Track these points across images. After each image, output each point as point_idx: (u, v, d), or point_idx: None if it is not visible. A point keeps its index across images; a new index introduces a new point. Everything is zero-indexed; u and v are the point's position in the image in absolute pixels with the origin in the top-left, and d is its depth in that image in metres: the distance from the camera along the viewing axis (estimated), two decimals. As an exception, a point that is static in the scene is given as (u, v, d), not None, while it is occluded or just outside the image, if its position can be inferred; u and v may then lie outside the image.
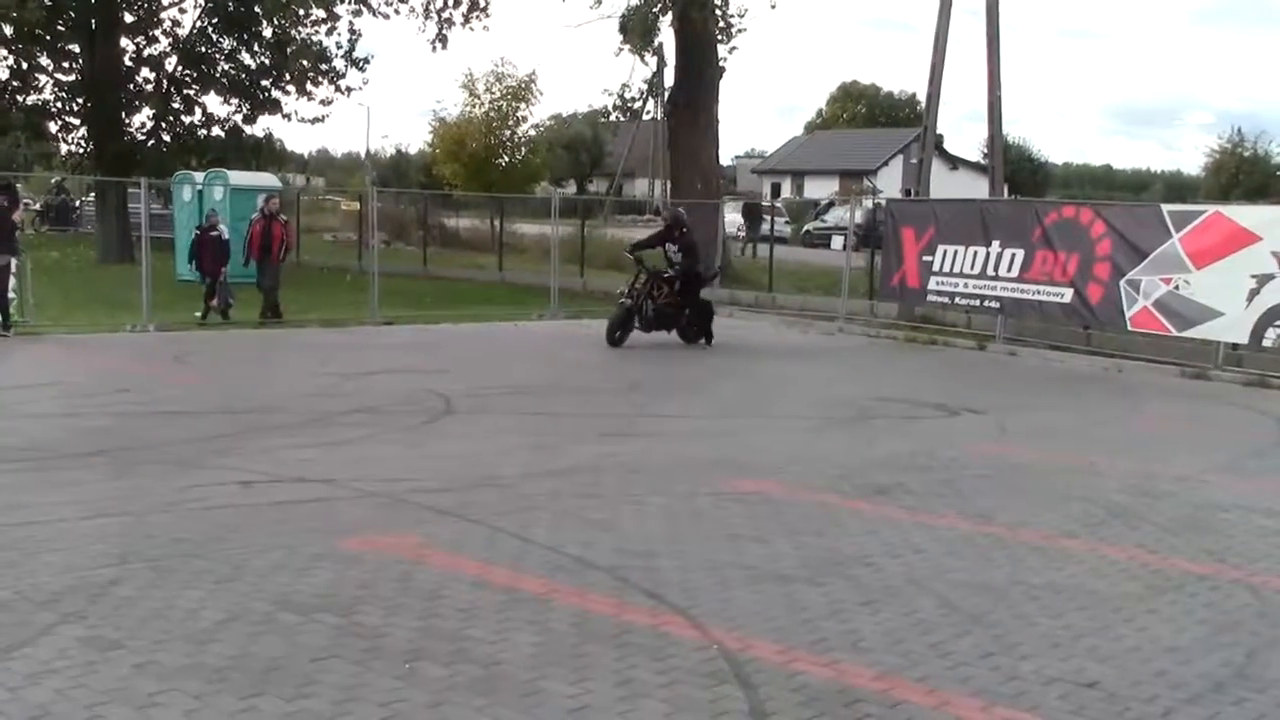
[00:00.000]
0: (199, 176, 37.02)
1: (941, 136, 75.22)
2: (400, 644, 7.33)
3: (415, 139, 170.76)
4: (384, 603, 8.05)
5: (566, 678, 6.90)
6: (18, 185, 41.53)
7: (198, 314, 25.95)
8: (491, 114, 58.31)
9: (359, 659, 7.08)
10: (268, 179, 39.23)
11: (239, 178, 36.20)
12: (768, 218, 48.95)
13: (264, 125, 44.60)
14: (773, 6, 60.32)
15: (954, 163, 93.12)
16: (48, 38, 40.20)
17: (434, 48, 41.31)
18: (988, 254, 25.99)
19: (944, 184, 57.12)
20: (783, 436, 15.28)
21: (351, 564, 8.88)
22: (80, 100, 41.69)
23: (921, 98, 38.32)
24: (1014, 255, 25.52)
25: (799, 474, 12.75)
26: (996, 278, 25.78)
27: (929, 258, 27.18)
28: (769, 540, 10.00)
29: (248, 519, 10.13)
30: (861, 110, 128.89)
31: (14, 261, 22.65)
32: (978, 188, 56.09)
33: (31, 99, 41.82)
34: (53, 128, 43.53)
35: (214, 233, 26.35)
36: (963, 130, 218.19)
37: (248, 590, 8.21)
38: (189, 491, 11.01)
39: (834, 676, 7.08)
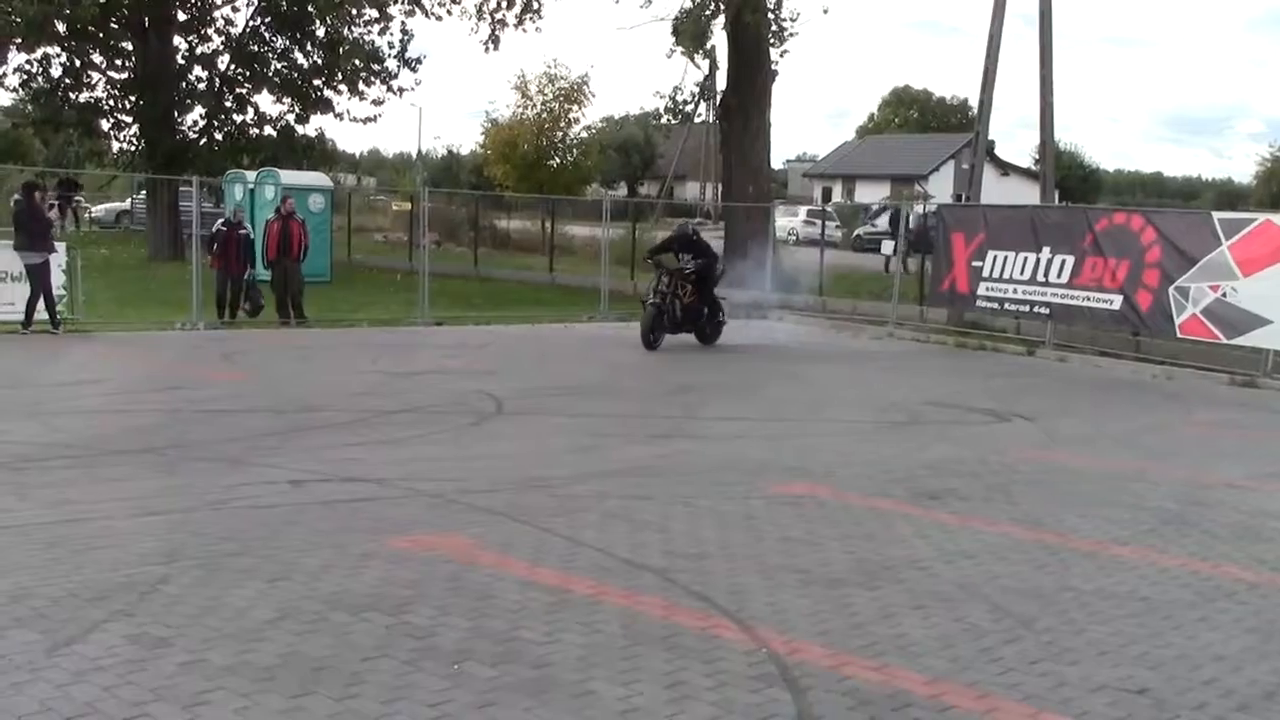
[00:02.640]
0: (250, 175, 37.20)
1: (993, 142, 75.07)
2: (449, 644, 7.33)
3: (467, 140, 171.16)
4: (433, 603, 8.05)
5: (615, 679, 6.89)
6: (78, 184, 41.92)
7: (246, 309, 25.88)
8: (543, 115, 58.47)
9: (408, 659, 7.08)
10: (319, 179, 39.39)
11: (290, 177, 36.28)
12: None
13: (316, 125, 44.72)
14: (825, 11, 60.45)
15: (1005, 169, 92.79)
16: (101, 35, 40.45)
17: (486, 49, 41.20)
18: (1038, 260, 25.90)
19: (995, 190, 56.92)
20: (833, 440, 15.25)
21: (401, 564, 8.89)
22: (132, 98, 41.86)
23: (973, 103, 38.14)
24: (1064, 261, 25.43)
25: (850, 478, 12.73)
26: (1046, 284, 25.68)
27: (979, 263, 27.11)
28: (819, 544, 9.98)
29: (297, 518, 10.15)
30: (913, 115, 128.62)
31: (60, 259, 22.75)
32: (1028, 194, 55.75)
33: (84, 96, 42.04)
34: (105, 125, 43.78)
35: (242, 231, 25.94)
36: (1014, 136, 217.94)
37: (297, 589, 8.22)
38: (238, 490, 11.05)
39: (883, 681, 7.05)
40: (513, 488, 11.55)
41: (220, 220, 26.41)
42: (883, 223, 56.15)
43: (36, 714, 6.17)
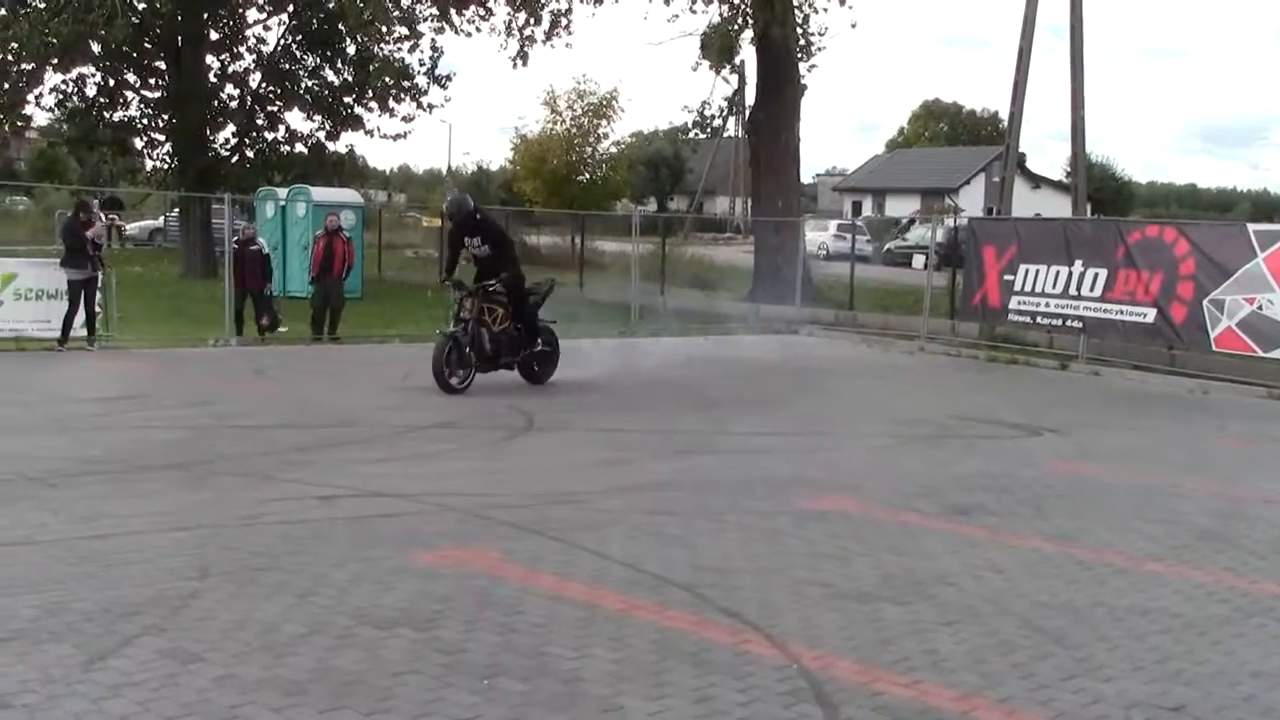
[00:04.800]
0: (282, 193, 37.32)
1: (1024, 155, 75.06)
2: (479, 659, 7.33)
3: (496, 155, 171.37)
4: (463, 617, 8.05)
5: (645, 694, 6.88)
6: (101, 200, 42.03)
7: (283, 328, 25.92)
8: (573, 130, 58.47)
9: (438, 674, 7.08)
10: (350, 195, 39.45)
11: (321, 194, 36.36)
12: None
13: (346, 142, 44.75)
14: (853, 25, 60.37)
15: (1036, 181, 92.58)
16: (134, 54, 40.62)
17: (515, 65, 41.21)
18: (1070, 273, 25.79)
19: (1026, 203, 56.80)
20: (862, 454, 15.21)
21: (431, 579, 8.89)
22: (165, 116, 42.08)
23: (1004, 116, 38.13)
24: (1097, 275, 25.31)
25: (879, 492, 12.68)
26: (1079, 297, 25.56)
27: (1010, 277, 27.00)
28: (848, 559, 9.95)
29: (327, 533, 10.17)
30: (943, 129, 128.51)
31: (99, 276, 22.87)
32: (1060, 206, 55.72)
33: (118, 115, 42.30)
34: (138, 143, 43.99)
35: (253, 247, 25.86)
36: (1045, 149, 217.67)
37: (327, 604, 8.23)
38: (268, 505, 11.06)
39: (915, 696, 7.03)
40: (542, 502, 11.55)
41: (234, 238, 26.38)
42: (914, 237, 56.03)
43: (70, 729, 6.20)
